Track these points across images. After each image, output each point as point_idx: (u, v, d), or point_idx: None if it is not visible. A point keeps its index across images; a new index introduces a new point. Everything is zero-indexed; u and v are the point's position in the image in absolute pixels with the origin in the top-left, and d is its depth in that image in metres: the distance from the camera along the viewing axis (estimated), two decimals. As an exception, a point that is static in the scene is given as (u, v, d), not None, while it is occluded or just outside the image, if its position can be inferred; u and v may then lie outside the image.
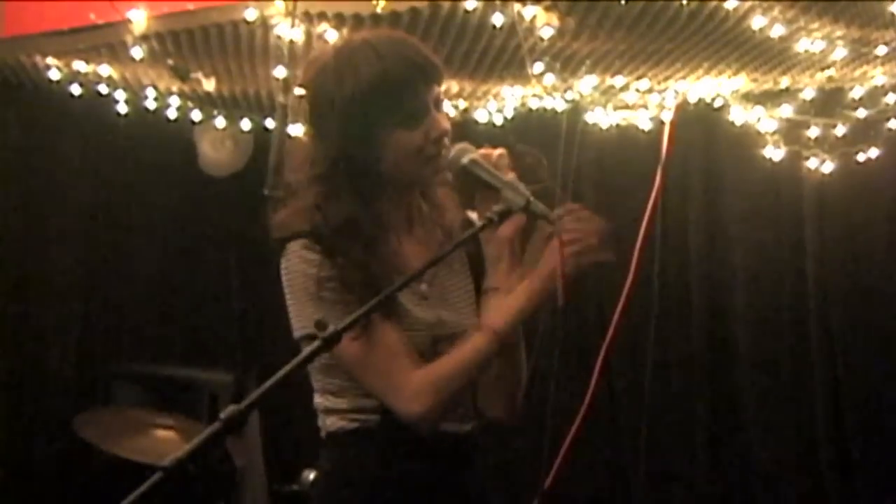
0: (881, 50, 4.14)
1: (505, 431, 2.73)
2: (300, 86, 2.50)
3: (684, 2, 3.74)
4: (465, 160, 2.41)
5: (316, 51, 2.55)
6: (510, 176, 2.42)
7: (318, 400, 2.51)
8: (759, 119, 4.75)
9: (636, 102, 4.89)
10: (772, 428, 5.10)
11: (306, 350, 1.92)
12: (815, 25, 3.97)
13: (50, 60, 4.67)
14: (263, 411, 5.54)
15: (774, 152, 4.74)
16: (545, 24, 3.93)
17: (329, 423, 2.50)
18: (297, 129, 3.75)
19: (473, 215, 2.56)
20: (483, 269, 2.53)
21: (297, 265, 2.38)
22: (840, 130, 4.67)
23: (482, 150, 2.46)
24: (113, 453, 4.69)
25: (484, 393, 2.54)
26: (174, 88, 4.90)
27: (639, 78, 4.61)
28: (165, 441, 4.80)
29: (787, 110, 4.69)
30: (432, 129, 2.39)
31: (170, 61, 4.50)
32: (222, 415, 1.71)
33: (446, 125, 2.42)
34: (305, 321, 2.36)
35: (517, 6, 3.80)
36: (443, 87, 2.48)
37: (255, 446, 5.63)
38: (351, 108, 2.35)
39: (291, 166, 2.50)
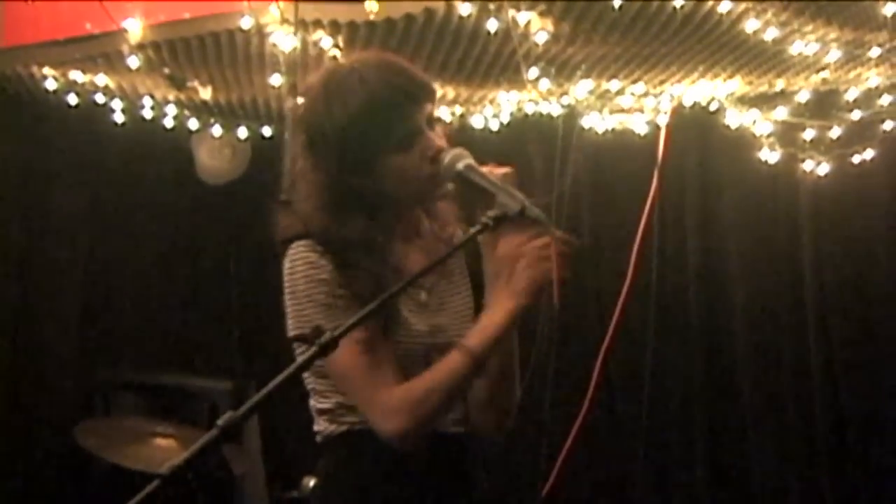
0: (875, 52, 4.15)
1: (504, 437, 2.73)
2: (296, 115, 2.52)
3: (678, 5, 3.74)
4: (459, 166, 2.41)
5: (309, 78, 2.55)
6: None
7: (312, 402, 2.53)
8: (754, 122, 4.75)
9: (632, 106, 4.90)
10: (770, 430, 5.10)
11: (303, 356, 1.92)
12: (809, 28, 3.98)
13: (46, 70, 4.68)
14: (263, 418, 5.56)
15: (770, 155, 4.75)
16: (540, 29, 3.95)
17: (323, 426, 2.51)
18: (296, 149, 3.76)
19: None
20: (483, 283, 2.54)
21: (300, 266, 2.39)
22: (835, 132, 4.68)
23: (487, 167, 2.46)
24: (113, 462, 4.69)
25: (476, 407, 2.54)
26: (171, 97, 4.91)
27: (634, 82, 4.62)
28: (165, 450, 4.80)
29: (782, 113, 4.70)
30: (427, 148, 2.40)
31: (166, 70, 4.52)
32: (219, 422, 1.71)
33: (441, 143, 2.43)
34: (301, 322, 2.37)
35: (512, 12, 3.82)
36: (437, 98, 2.48)
37: (254, 453, 5.63)
38: (343, 137, 2.37)
39: (298, 196, 2.50)
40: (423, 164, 2.40)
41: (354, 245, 2.39)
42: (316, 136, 2.43)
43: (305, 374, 2.47)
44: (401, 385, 2.37)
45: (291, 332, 2.41)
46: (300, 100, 2.52)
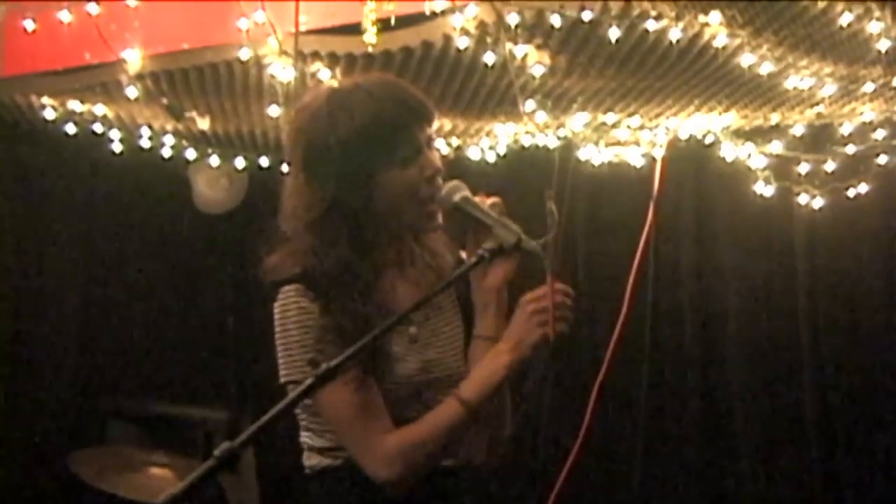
0: (869, 87, 4.17)
1: (496, 469, 2.73)
2: (291, 130, 2.52)
3: (674, 39, 3.77)
4: (456, 198, 2.43)
5: (307, 96, 2.56)
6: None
7: (303, 437, 2.53)
8: (749, 155, 4.77)
9: (628, 139, 4.91)
10: (765, 460, 5.10)
11: (299, 387, 1.93)
12: (804, 63, 4.01)
13: (45, 100, 4.69)
14: (258, 448, 5.55)
15: (765, 188, 4.76)
16: (536, 62, 3.96)
17: (313, 461, 2.51)
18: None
19: (464, 255, 2.57)
20: (473, 313, 2.55)
21: (291, 312, 2.39)
22: (830, 166, 4.70)
23: (477, 197, 2.48)
24: (107, 491, 4.68)
25: (467, 437, 2.53)
26: (169, 127, 4.92)
27: (630, 115, 4.64)
28: (160, 479, 4.79)
29: (777, 146, 4.72)
30: (426, 167, 2.42)
31: (164, 100, 4.53)
32: (216, 452, 1.72)
33: (439, 164, 2.44)
34: (293, 368, 2.38)
35: (509, 45, 3.83)
36: (434, 127, 2.50)
37: (250, 484, 5.62)
38: (345, 151, 2.38)
39: (284, 213, 2.50)
40: (421, 183, 2.42)
41: (338, 277, 2.38)
42: (316, 149, 2.43)
43: (298, 411, 2.48)
44: (394, 432, 2.37)
45: (284, 379, 2.41)
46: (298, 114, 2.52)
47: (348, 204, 2.41)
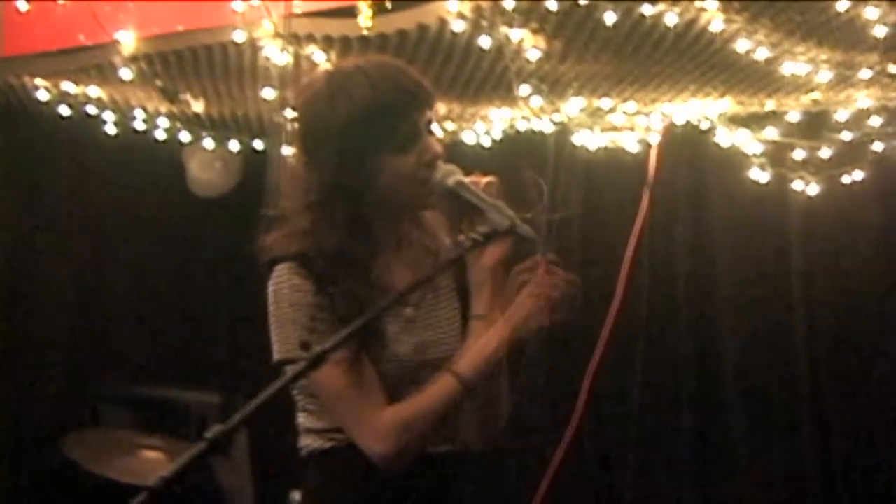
0: (865, 73, 4.16)
1: (491, 454, 2.74)
2: (292, 111, 2.52)
3: (670, 24, 3.76)
4: (450, 182, 2.43)
5: (307, 77, 2.55)
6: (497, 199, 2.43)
7: (300, 419, 2.53)
8: (745, 141, 4.76)
9: (623, 125, 4.91)
10: (758, 449, 5.11)
11: (291, 371, 1.93)
12: (800, 49, 4.00)
13: (39, 81, 4.68)
14: (252, 431, 5.55)
15: (760, 174, 4.75)
16: (532, 46, 3.95)
17: (309, 442, 2.51)
18: (290, 151, 3.77)
19: (461, 238, 2.56)
20: (468, 292, 2.55)
21: (285, 289, 2.39)
22: (825, 153, 4.69)
23: (472, 177, 2.47)
24: (100, 474, 4.68)
25: (464, 421, 2.54)
26: (163, 109, 4.92)
27: (626, 100, 4.63)
28: (153, 462, 4.80)
29: (772, 133, 4.71)
30: (425, 152, 2.41)
31: (158, 82, 4.52)
32: (207, 434, 1.71)
33: (439, 149, 2.44)
34: (287, 346, 2.38)
35: (504, 29, 3.83)
36: (435, 110, 2.49)
37: (243, 467, 5.62)
38: (345, 134, 2.37)
39: (284, 193, 2.50)
40: (419, 167, 2.41)
41: (335, 259, 2.38)
42: (315, 132, 2.43)
43: (295, 392, 2.48)
44: (389, 407, 2.37)
45: (277, 357, 2.41)
46: (289, 114, 2.53)
47: (347, 186, 2.41)
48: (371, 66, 2.45)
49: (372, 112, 2.36)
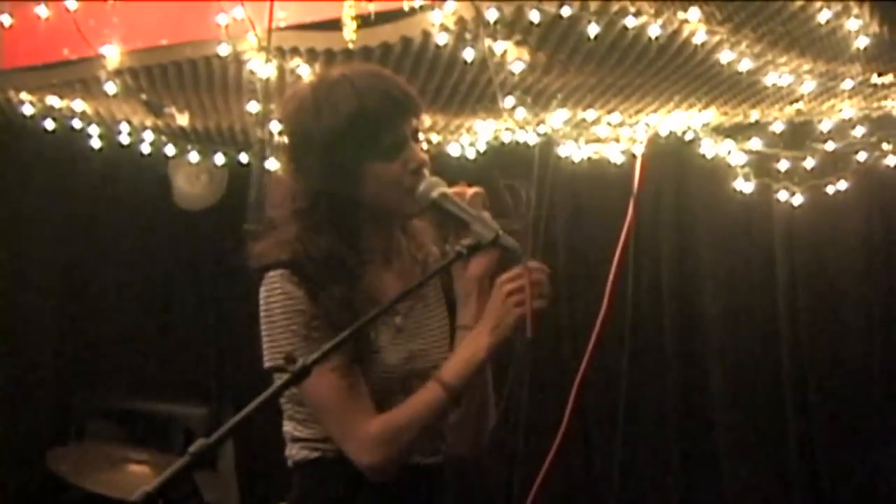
0: (848, 84, 4.18)
1: (477, 465, 2.74)
2: (278, 120, 2.53)
3: (653, 36, 3.77)
4: (434, 194, 2.43)
5: (293, 87, 2.56)
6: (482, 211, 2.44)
7: (287, 428, 2.53)
8: (729, 152, 4.78)
9: (608, 136, 4.92)
10: (743, 459, 5.12)
11: (276, 384, 1.92)
12: (783, 60, 4.02)
13: (23, 96, 4.67)
14: (238, 444, 5.54)
15: (745, 185, 4.77)
16: (516, 58, 3.96)
17: (296, 452, 2.51)
18: (274, 164, 3.77)
19: (447, 249, 2.57)
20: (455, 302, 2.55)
21: (277, 296, 2.39)
22: (809, 163, 4.72)
23: (456, 188, 2.48)
24: (86, 488, 4.67)
25: (450, 430, 2.55)
26: (148, 123, 4.91)
27: (610, 112, 4.64)
28: (139, 476, 4.78)
29: (756, 143, 4.73)
30: (410, 160, 2.41)
31: (143, 96, 4.52)
32: (191, 448, 1.71)
33: (424, 156, 2.45)
34: (277, 353, 2.37)
35: (488, 41, 3.83)
36: (421, 119, 2.50)
37: (229, 480, 5.61)
38: (330, 142, 2.37)
39: (272, 202, 2.51)
40: (405, 175, 2.41)
41: (323, 265, 2.38)
42: (301, 139, 2.44)
43: (283, 400, 2.48)
44: (377, 417, 2.37)
45: (268, 364, 2.41)
46: (275, 126, 2.53)
47: (333, 194, 2.42)
48: (356, 74, 2.46)
49: (357, 119, 2.37)
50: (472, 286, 2.49)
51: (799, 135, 4.77)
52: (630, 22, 3.72)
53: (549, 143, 4.84)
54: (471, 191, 2.48)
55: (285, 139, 2.50)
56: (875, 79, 4.15)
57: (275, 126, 4.02)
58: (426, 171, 2.45)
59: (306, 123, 2.42)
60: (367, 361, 2.40)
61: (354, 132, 2.37)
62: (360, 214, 2.45)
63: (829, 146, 4.67)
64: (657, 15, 3.70)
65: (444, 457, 2.56)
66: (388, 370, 2.44)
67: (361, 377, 2.38)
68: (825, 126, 4.66)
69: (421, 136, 2.49)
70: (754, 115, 4.66)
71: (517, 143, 4.93)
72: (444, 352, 2.53)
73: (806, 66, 4.08)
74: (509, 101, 4.31)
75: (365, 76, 2.45)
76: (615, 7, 3.65)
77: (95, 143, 5.00)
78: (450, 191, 2.45)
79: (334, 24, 3.81)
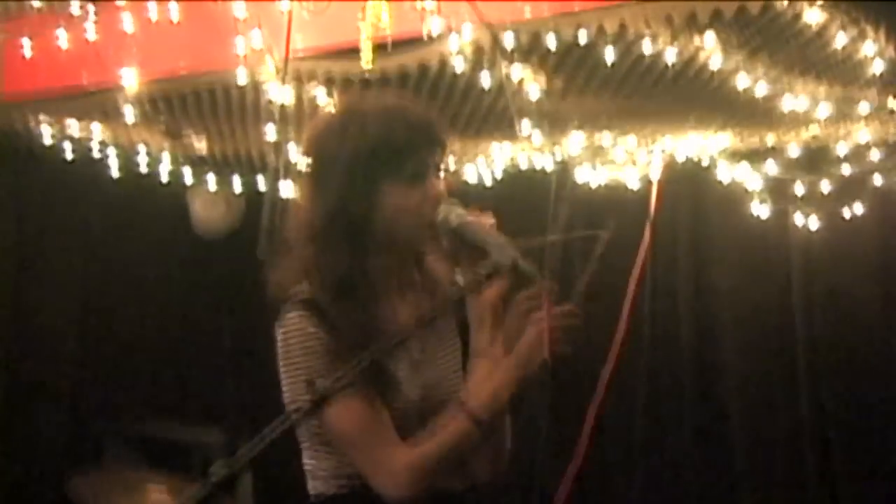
0: (864, 108, 4.18)
1: (500, 493, 2.73)
2: (303, 141, 2.53)
3: (670, 62, 3.78)
4: (454, 220, 2.43)
5: (310, 114, 2.58)
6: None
7: (308, 464, 2.51)
8: (745, 176, 4.78)
9: (624, 161, 4.93)
10: (761, 482, 5.10)
11: (297, 411, 1.92)
12: (799, 84, 4.02)
13: (42, 124, 4.70)
14: (256, 470, 5.54)
15: (761, 209, 4.77)
16: (533, 84, 3.98)
17: (316, 487, 2.49)
18: (288, 191, 3.78)
19: (458, 277, 2.57)
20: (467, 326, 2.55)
21: (294, 336, 2.38)
22: (826, 187, 4.71)
23: (471, 212, 2.48)
24: (105, 514, 4.67)
25: (469, 456, 2.53)
26: (166, 151, 4.93)
27: (626, 136, 4.65)
28: (158, 502, 4.78)
29: (773, 167, 4.73)
30: (430, 191, 2.42)
31: (162, 124, 4.54)
32: (211, 470, 1.71)
33: (443, 190, 2.45)
34: (298, 394, 2.35)
35: (505, 67, 3.85)
36: (446, 155, 2.51)
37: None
38: (354, 162, 2.38)
39: (289, 225, 2.51)
40: (424, 205, 2.41)
41: (338, 290, 2.38)
42: (324, 159, 2.44)
43: (303, 439, 2.47)
44: (404, 448, 2.36)
45: (290, 406, 2.37)
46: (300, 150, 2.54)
47: (351, 217, 2.41)
48: (389, 103, 2.48)
49: (383, 143, 2.38)
50: (486, 311, 2.47)
51: (815, 159, 4.77)
52: (646, 48, 3.73)
53: (565, 168, 4.85)
54: (486, 219, 2.48)
55: (307, 161, 2.50)
56: (891, 103, 4.16)
57: (293, 151, 4.04)
58: (444, 203, 2.46)
59: (332, 143, 2.42)
60: (390, 395, 2.39)
61: (379, 155, 2.38)
62: (375, 239, 2.44)
63: (846, 170, 4.67)
64: (673, 40, 3.71)
65: (467, 484, 2.54)
66: (406, 403, 2.42)
67: (385, 409, 2.37)
68: (841, 150, 4.66)
69: (442, 173, 2.49)
70: (770, 139, 4.67)
71: (534, 168, 4.94)
72: (458, 379, 2.52)
73: (822, 91, 4.08)
74: (526, 127, 4.32)
75: (396, 105, 2.48)
76: (631, 33, 3.66)
77: (114, 171, 5.03)
78: (469, 217, 2.45)
79: (352, 52, 3.83)
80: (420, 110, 2.49)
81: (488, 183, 5.09)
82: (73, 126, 4.69)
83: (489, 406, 2.38)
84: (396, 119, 2.41)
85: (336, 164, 2.40)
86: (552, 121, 4.38)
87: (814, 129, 4.45)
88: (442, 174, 2.49)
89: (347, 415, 2.27)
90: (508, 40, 3.71)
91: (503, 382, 2.40)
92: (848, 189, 4.71)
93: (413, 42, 3.87)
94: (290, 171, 3.96)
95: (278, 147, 4.05)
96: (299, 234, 2.47)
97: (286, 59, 3.88)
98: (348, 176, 2.39)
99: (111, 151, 4.91)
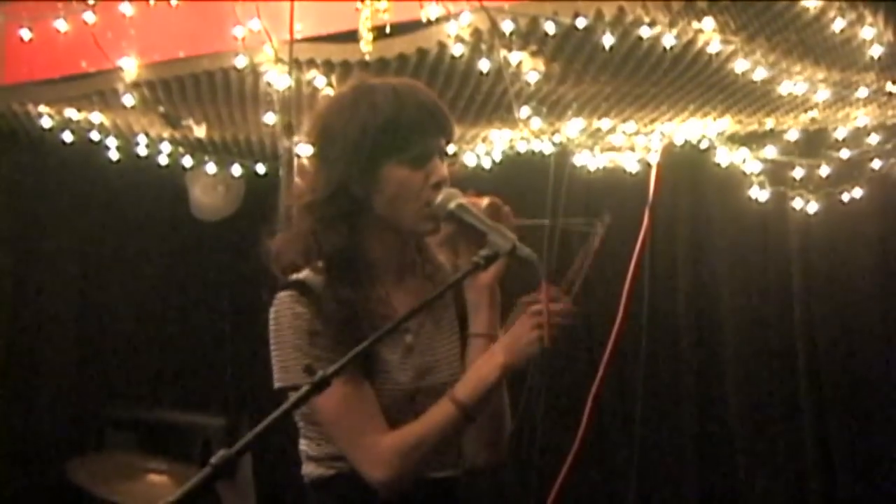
0: (862, 92, 4.19)
1: (494, 477, 2.74)
2: (313, 116, 2.54)
3: (668, 46, 3.78)
4: (452, 205, 2.44)
5: (309, 98, 2.59)
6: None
7: (302, 446, 2.53)
8: (744, 160, 4.79)
9: (623, 145, 4.93)
10: (761, 463, 5.11)
11: (295, 395, 1.93)
12: (797, 68, 4.03)
13: (42, 108, 4.70)
14: (256, 455, 5.56)
15: (760, 193, 4.78)
16: (531, 69, 3.98)
17: (310, 470, 2.51)
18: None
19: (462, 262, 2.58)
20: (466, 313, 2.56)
21: (285, 316, 2.40)
22: (824, 171, 4.72)
23: (469, 198, 2.48)
24: (106, 499, 4.69)
25: (467, 440, 2.55)
26: (165, 135, 4.94)
27: (625, 121, 4.65)
28: (158, 486, 4.81)
29: (771, 151, 4.74)
30: (433, 173, 2.42)
31: (161, 108, 4.54)
32: (213, 460, 1.72)
33: (446, 174, 2.46)
34: (287, 374, 2.38)
35: (503, 52, 3.85)
36: (450, 144, 2.51)
37: (247, 491, 5.63)
38: (360, 138, 2.39)
39: (292, 194, 2.53)
40: (426, 187, 2.42)
41: (333, 263, 2.40)
42: (331, 133, 2.44)
43: (297, 418, 2.48)
44: (389, 433, 2.37)
45: (278, 385, 2.41)
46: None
47: (351, 191, 2.42)
48: (401, 84, 2.49)
49: (391, 121, 2.39)
50: (483, 294, 2.50)
51: (814, 143, 4.77)
52: (645, 32, 3.73)
53: (564, 152, 4.85)
54: (485, 201, 2.49)
55: (315, 130, 2.50)
56: (890, 87, 4.16)
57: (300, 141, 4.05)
58: (444, 188, 2.46)
59: (341, 117, 2.43)
60: (380, 380, 2.41)
61: (386, 133, 2.39)
62: (373, 218, 2.45)
63: (844, 154, 4.68)
64: (672, 25, 3.71)
65: (459, 470, 2.56)
66: (397, 387, 2.43)
67: (372, 393, 2.38)
68: (840, 134, 4.67)
69: (447, 158, 2.50)
70: (769, 123, 4.67)
71: (533, 152, 4.95)
72: (456, 366, 2.53)
73: (820, 75, 4.09)
74: (525, 111, 4.32)
75: (408, 87, 2.48)
76: (630, 18, 3.67)
77: (113, 155, 5.03)
78: (467, 201, 2.46)
79: (351, 36, 3.84)
80: (431, 97, 2.49)
81: (487, 166, 5.09)
82: (71, 110, 4.69)
83: (472, 391, 2.40)
84: (407, 99, 2.42)
85: (343, 140, 2.42)
86: (550, 105, 4.39)
87: (812, 113, 4.46)
88: (447, 158, 2.50)
89: (334, 399, 2.27)
90: (507, 25, 3.72)
91: (491, 371, 2.41)
92: (846, 173, 4.72)
93: (412, 26, 3.87)
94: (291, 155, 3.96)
95: (289, 131, 4.05)
96: (300, 204, 2.48)
97: (291, 42, 3.88)
98: (354, 152, 2.40)
99: (110, 135, 4.91)
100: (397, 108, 2.40)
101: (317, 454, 2.49)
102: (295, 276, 2.43)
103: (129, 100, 4.40)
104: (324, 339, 2.37)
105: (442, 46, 3.89)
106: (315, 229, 2.44)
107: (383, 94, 2.42)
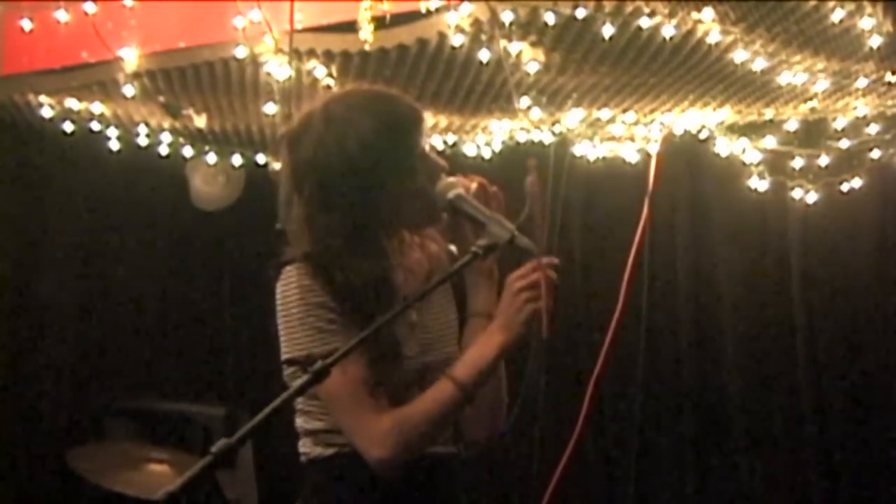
0: (862, 82, 4.19)
1: (495, 456, 2.75)
2: (294, 157, 2.53)
3: (668, 36, 3.79)
4: (450, 195, 2.45)
5: (297, 121, 2.57)
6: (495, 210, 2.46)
7: (300, 422, 2.54)
8: (743, 150, 4.79)
9: (623, 135, 4.93)
10: (760, 457, 5.12)
11: (296, 383, 1.95)
12: (797, 58, 4.03)
13: (42, 98, 4.70)
14: (256, 443, 5.57)
15: (759, 183, 4.78)
16: (531, 59, 3.98)
17: (309, 448, 2.53)
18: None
19: (454, 248, 2.61)
20: (464, 298, 2.58)
21: (293, 290, 2.42)
22: (824, 161, 4.72)
23: (460, 178, 2.50)
24: (106, 488, 4.70)
25: (464, 416, 2.56)
26: (166, 125, 4.94)
27: (625, 111, 4.65)
28: (159, 475, 4.81)
29: (771, 141, 4.74)
30: (432, 169, 2.47)
31: (161, 98, 4.55)
32: (213, 448, 1.74)
33: (443, 163, 2.48)
34: (295, 346, 2.40)
35: (503, 42, 3.85)
36: (426, 125, 2.53)
37: (248, 479, 5.64)
38: (356, 176, 2.41)
39: (294, 234, 2.53)
40: (430, 185, 2.46)
41: (342, 250, 2.42)
42: (328, 180, 2.44)
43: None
44: (389, 412, 2.39)
45: (285, 356, 2.44)
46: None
47: (354, 213, 2.45)
48: (363, 101, 2.49)
49: (377, 149, 2.41)
50: (482, 276, 2.55)
51: (813, 133, 4.77)
52: (644, 22, 3.73)
53: (564, 142, 4.86)
54: (474, 183, 2.50)
55: (303, 171, 2.49)
56: (889, 77, 4.16)
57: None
58: (444, 176, 2.48)
59: (332, 164, 2.43)
60: (388, 355, 2.42)
61: (377, 160, 2.41)
62: (379, 223, 2.50)
63: (844, 144, 4.68)
64: (671, 15, 3.72)
65: (459, 447, 2.58)
66: (404, 365, 2.46)
67: (374, 372, 2.40)
68: (839, 124, 4.67)
69: (436, 137, 2.52)
70: (768, 113, 4.67)
71: (532, 142, 4.95)
72: (454, 345, 2.57)
73: (820, 65, 4.09)
74: (524, 101, 4.33)
75: (372, 101, 2.49)
76: (629, 8, 3.67)
77: (114, 145, 5.04)
78: (465, 192, 2.47)
79: (351, 26, 3.84)
80: (396, 98, 2.52)
81: (487, 156, 5.09)
82: (72, 100, 4.69)
83: (470, 371, 2.42)
84: (383, 112, 2.44)
85: (341, 184, 2.43)
86: (550, 95, 4.39)
87: (812, 103, 4.46)
88: (434, 141, 2.52)
89: (336, 378, 2.27)
90: (506, 15, 3.72)
91: (489, 350, 2.42)
92: (846, 163, 4.72)
93: (411, 16, 3.87)
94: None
95: (290, 120, 4.06)
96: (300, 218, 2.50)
97: (291, 32, 3.89)
98: (355, 190, 2.42)
99: (110, 125, 4.92)
100: (376, 127, 2.42)
101: (314, 428, 2.50)
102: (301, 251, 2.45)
103: (129, 90, 4.40)
104: (333, 312, 2.38)
105: (442, 36, 3.89)
106: (318, 216, 2.46)
107: (356, 119, 2.43)
